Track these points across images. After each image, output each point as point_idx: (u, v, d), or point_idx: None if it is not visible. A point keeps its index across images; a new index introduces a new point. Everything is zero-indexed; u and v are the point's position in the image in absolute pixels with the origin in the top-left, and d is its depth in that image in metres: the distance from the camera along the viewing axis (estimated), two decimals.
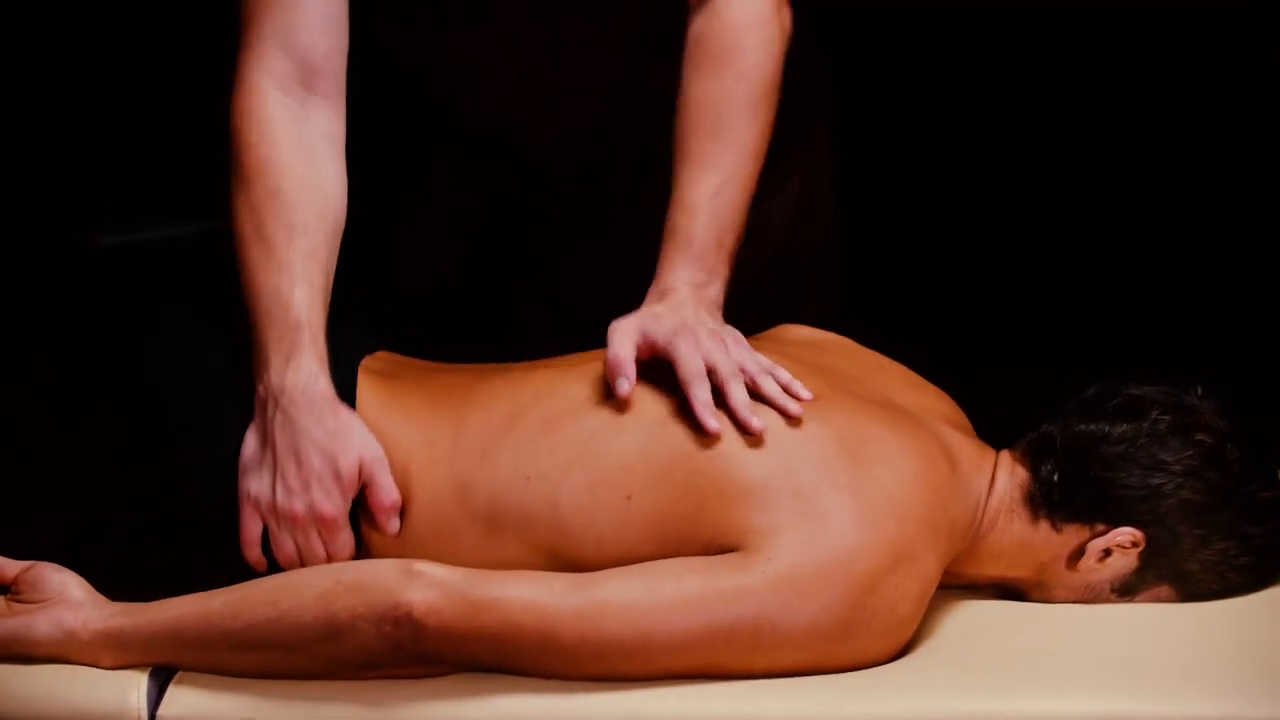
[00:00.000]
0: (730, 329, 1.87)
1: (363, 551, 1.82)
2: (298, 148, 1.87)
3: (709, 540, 1.75)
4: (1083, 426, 1.87)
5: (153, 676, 1.77)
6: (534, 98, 2.09)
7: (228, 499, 1.84)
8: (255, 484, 1.81)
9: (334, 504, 1.80)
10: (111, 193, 2.46)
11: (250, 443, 1.82)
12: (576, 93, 2.09)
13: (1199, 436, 1.85)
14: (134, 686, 1.75)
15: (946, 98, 2.64)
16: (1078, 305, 2.65)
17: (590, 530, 1.77)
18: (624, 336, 1.83)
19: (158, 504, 1.85)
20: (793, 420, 1.80)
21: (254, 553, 1.82)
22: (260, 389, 1.82)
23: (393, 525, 1.82)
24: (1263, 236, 2.62)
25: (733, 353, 1.82)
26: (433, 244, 2.21)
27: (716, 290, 1.88)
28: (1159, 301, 2.64)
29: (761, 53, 1.92)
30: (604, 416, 1.82)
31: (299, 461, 1.79)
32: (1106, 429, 1.86)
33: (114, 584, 1.84)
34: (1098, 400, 1.89)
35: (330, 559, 1.81)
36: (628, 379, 1.81)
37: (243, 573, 1.87)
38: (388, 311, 1.94)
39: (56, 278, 1.96)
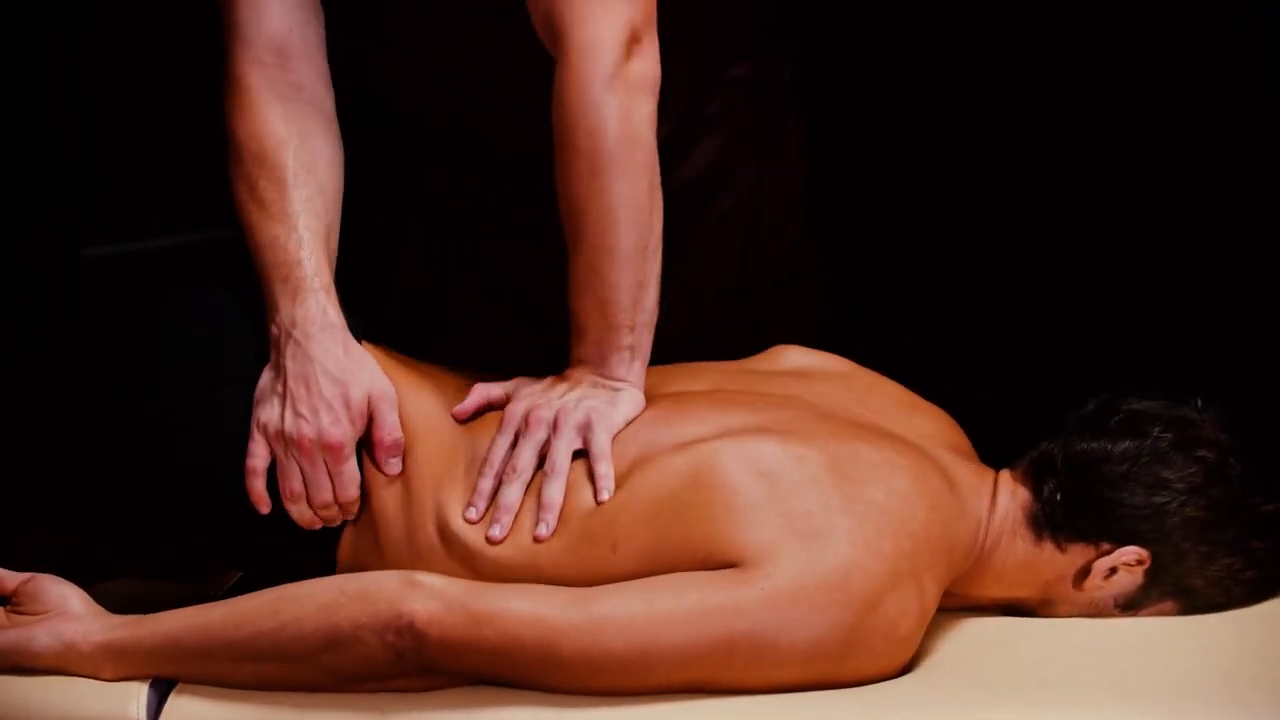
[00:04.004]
0: (610, 413, 1.84)
1: (364, 494, 1.83)
2: (279, 116, 1.90)
3: (704, 558, 1.74)
4: (1084, 445, 1.86)
5: (153, 687, 1.77)
6: (530, 101, 2.08)
7: (228, 501, 1.84)
8: (266, 412, 1.83)
9: (342, 431, 1.81)
10: (111, 196, 2.45)
11: (264, 377, 1.85)
12: None
13: (1201, 452, 1.84)
14: (134, 697, 1.76)
15: (933, 92, 2.62)
16: (1078, 307, 2.63)
17: (575, 582, 1.76)
18: (488, 389, 1.90)
19: (158, 505, 1.85)
20: (782, 444, 1.79)
21: (258, 484, 1.83)
22: (273, 329, 1.85)
23: (392, 466, 1.84)
24: (1258, 227, 2.61)
25: (560, 442, 1.82)
26: (417, 253, 2.21)
27: (616, 360, 1.86)
28: (1166, 317, 2.62)
29: (596, 117, 1.84)
30: (580, 470, 1.82)
31: (309, 388, 1.81)
32: (1108, 447, 1.84)
33: (113, 591, 1.84)
34: (1098, 417, 1.88)
35: (335, 493, 1.82)
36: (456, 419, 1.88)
37: (244, 582, 1.87)
38: (372, 319, 1.94)
39: (57, 279, 1.96)
